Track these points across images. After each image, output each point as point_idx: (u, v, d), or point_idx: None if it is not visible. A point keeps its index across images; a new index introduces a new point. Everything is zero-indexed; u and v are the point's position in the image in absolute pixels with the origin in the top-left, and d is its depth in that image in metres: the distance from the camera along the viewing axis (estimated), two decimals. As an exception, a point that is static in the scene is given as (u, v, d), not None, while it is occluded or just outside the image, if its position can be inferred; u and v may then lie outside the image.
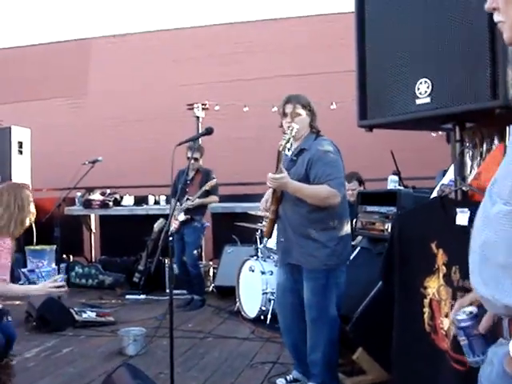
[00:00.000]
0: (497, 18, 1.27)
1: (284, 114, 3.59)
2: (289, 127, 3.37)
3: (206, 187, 6.49)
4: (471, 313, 1.39)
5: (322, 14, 9.31)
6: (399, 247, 2.08)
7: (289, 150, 3.42)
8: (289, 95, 3.66)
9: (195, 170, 6.73)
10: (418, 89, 1.82)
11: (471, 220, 1.85)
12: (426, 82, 1.80)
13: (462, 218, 1.85)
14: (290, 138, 3.31)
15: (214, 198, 6.83)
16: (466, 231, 1.85)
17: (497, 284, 1.16)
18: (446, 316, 1.93)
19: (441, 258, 1.91)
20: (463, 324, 1.39)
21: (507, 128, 1.94)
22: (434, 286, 1.95)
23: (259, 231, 6.40)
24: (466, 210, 1.84)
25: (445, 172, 5.02)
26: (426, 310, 1.99)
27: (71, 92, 10.25)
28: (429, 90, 1.79)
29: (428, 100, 1.79)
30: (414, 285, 2.01)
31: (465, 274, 1.85)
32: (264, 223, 3.72)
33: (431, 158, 7.30)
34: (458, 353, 1.91)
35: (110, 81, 9.97)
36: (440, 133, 7.33)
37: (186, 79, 9.36)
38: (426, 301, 1.99)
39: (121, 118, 9.72)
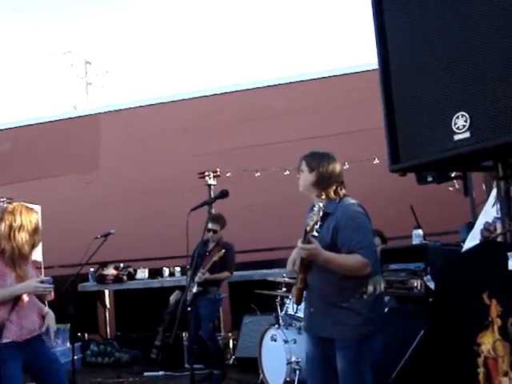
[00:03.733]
0: None
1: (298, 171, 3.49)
2: (317, 207, 3.15)
3: (215, 258, 6.29)
4: None
5: (325, 77, 9.39)
6: (447, 300, 1.89)
7: (317, 231, 3.23)
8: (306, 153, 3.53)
9: (215, 242, 6.56)
10: (455, 124, 1.68)
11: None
12: (463, 115, 1.66)
13: (514, 262, 1.68)
14: (317, 221, 3.12)
15: (226, 274, 6.61)
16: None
17: None
18: (506, 375, 1.72)
19: (494, 309, 1.72)
20: None
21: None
22: (488, 342, 1.75)
23: (279, 298, 6.19)
24: (519, 253, 1.67)
25: (469, 224, 4.86)
26: (481, 369, 1.78)
27: (82, 167, 10.30)
28: (467, 124, 1.65)
29: (467, 135, 1.64)
30: (465, 342, 1.80)
31: (524, 326, 1.66)
32: (293, 290, 3.47)
33: (450, 212, 7.19)
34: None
35: (120, 154, 10.03)
36: (457, 186, 7.24)
37: (197, 148, 9.38)
38: (481, 359, 1.78)
39: (132, 190, 9.70)
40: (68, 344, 7.53)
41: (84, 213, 9.78)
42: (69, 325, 7.53)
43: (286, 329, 5.85)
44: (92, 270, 8.47)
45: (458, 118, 1.68)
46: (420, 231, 4.57)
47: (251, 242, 8.53)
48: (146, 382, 6.78)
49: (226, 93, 9.96)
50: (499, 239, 1.83)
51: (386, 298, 4.41)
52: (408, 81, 1.88)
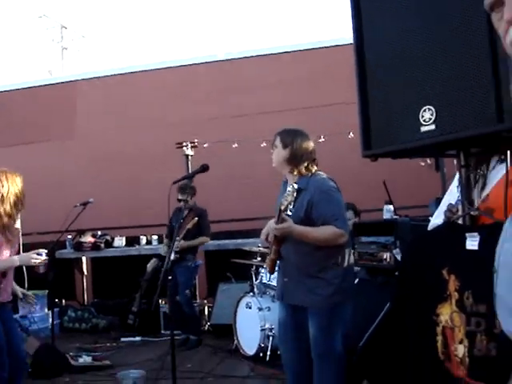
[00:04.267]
0: None
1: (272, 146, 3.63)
2: (292, 187, 3.29)
3: (189, 225, 6.44)
4: None
5: (313, 49, 9.43)
6: (411, 274, 2.07)
7: (291, 211, 3.39)
8: (282, 129, 3.67)
9: (188, 210, 6.71)
10: (422, 116, 1.83)
11: (481, 244, 1.84)
12: (429, 109, 1.82)
13: (471, 242, 1.85)
14: (291, 201, 3.27)
15: (203, 238, 6.81)
16: (476, 256, 1.85)
17: None
18: (461, 342, 1.91)
19: (453, 284, 1.90)
20: None
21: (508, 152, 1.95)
22: (446, 313, 1.93)
23: (254, 267, 6.37)
24: (476, 234, 1.85)
25: (438, 200, 5.06)
26: (439, 337, 1.97)
27: (58, 135, 10.24)
28: (433, 117, 1.80)
29: (433, 127, 1.80)
30: (426, 312, 1.99)
31: (478, 299, 1.84)
32: (267, 261, 3.65)
33: (421, 186, 7.40)
34: (474, 379, 1.89)
35: (97, 122, 9.99)
36: (429, 161, 7.43)
37: (175, 118, 9.41)
38: (439, 328, 1.97)
39: (109, 158, 9.70)
40: (46, 310, 7.65)
41: (61, 180, 9.77)
42: (47, 291, 7.65)
43: (261, 297, 6.05)
44: (70, 237, 8.55)
45: (425, 110, 1.83)
46: (391, 207, 4.77)
47: (227, 211, 8.67)
48: (123, 347, 6.92)
49: (204, 63, 9.95)
50: (460, 221, 2.00)
51: (357, 269, 4.62)
52: (382, 71, 2.02)
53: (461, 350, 1.93)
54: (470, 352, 1.90)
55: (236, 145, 8.46)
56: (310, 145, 3.60)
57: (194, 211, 6.72)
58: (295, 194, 3.24)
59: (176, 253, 6.47)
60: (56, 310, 7.78)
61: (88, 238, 8.41)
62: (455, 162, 2.14)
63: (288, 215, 3.35)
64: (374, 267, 4.28)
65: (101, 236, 8.54)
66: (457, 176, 2.15)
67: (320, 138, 8.05)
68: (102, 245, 8.34)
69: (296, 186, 3.27)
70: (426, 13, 1.92)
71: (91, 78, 10.47)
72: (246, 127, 8.81)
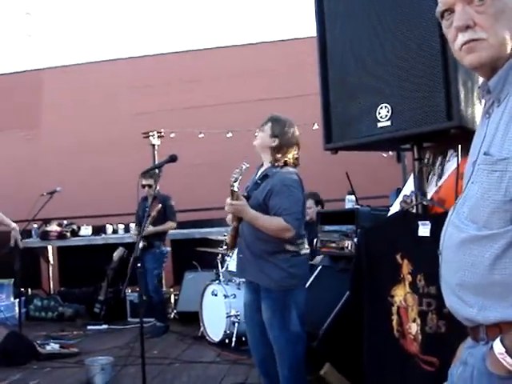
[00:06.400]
0: (472, 35, 1.30)
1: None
2: (242, 165, 3.46)
3: (154, 213, 6.52)
4: None
5: (279, 40, 9.55)
6: (366, 260, 2.22)
7: (238, 188, 3.52)
8: (272, 115, 3.80)
9: (152, 198, 6.79)
10: (379, 113, 1.98)
11: (432, 231, 2.01)
12: (386, 106, 1.97)
13: (423, 229, 2.02)
14: (239, 177, 3.43)
15: (170, 224, 6.91)
16: (427, 242, 2.02)
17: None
18: (414, 321, 2.08)
19: (406, 267, 2.06)
20: None
21: (459, 146, 2.11)
22: (400, 294, 2.10)
23: (220, 255, 6.49)
24: (427, 222, 2.01)
25: (398, 190, 5.25)
26: (394, 317, 2.14)
27: (24, 123, 10.18)
28: (389, 114, 1.96)
29: (388, 123, 1.95)
30: (381, 294, 2.15)
31: (429, 281, 2.01)
32: (227, 236, 3.83)
33: (383, 177, 7.60)
34: (426, 355, 2.06)
35: (63, 111, 9.95)
36: (390, 153, 7.64)
37: (141, 107, 9.44)
38: (394, 308, 2.13)
39: (75, 147, 9.69)
40: (12, 299, 7.66)
41: (26, 168, 9.74)
42: (13, 280, 7.65)
43: (227, 284, 6.17)
44: (36, 226, 8.54)
45: (381, 108, 1.99)
46: (352, 197, 4.93)
47: (194, 201, 8.76)
48: (90, 335, 6.96)
49: (172, 52, 10.01)
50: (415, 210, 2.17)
51: (320, 257, 4.79)
52: (344, 71, 2.17)
53: (414, 328, 2.10)
54: (423, 330, 2.08)
55: (202, 135, 8.56)
56: (296, 141, 3.73)
57: (158, 198, 6.80)
58: (243, 171, 3.41)
59: (144, 240, 6.56)
60: (22, 298, 7.78)
61: (54, 227, 8.40)
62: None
63: (245, 197, 3.54)
64: (336, 255, 4.43)
65: (67, 225, 8.54)
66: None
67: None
68: (68, 234, 8.34)
69: (247, 165, 3.44)
70: (385, 18, 2.07)
71: (57, 67, 10.42)
72: (212, 117, 8.89)
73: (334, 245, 4.41)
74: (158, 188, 6.87)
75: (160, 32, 11.83)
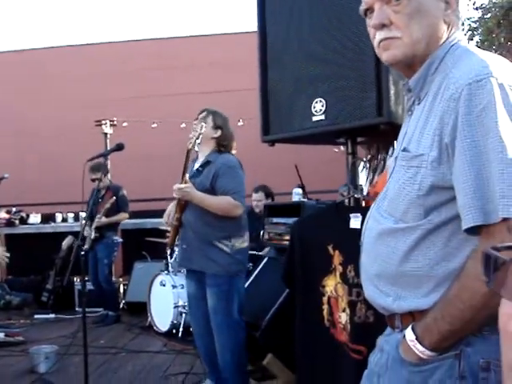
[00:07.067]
0: (387, 33, 1.36)
1: (195, 119, 3.80)
2: (198, 124, 3.56)
3: (108, 205, 6.51)
4: None
5: (235, 33, 9.56)
6: (299, 251, 2.28)
7: (198, 145, 3.60)
8: (207, 108, 3.87)
9: (105, 188, 6.77)
10: (314, 107, 2.03)
11: (363, 223, 2.07)
12: (320, 101, 2.02)
13: (355, 222, 2.07)
14: (199, 134, 3.50)
15: (123, 215, 6.89)
16: (359, 234, 2.07)
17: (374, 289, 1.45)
18: (344, 311, 2.14)
19: (337, 258, 2.12)
20: None
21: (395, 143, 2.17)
22: (331, 285, 2.15)
23: (169, 246, 6.48)
24: (359, 214, 2.07)
25: (346, 185, 5.34)
26: (325, 306, 2.20)
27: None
28: (323, 109, 2.01)
29: (323, 117, 2.00)
30: (313, 284, 2.21)
31: (359, 272, 2.07)
32: (168, 233, 3.87)
33: (334, 172, 7.69)
34: (355, 343, 2.12)
35: (16, 97, 9.76)
36: (342, 148, 7.75)
37: (94, 95, 9.33)
38: (325, 298, 2.19)
39: (27, 134, 9.53)
40: (-43, 287, 7.50)
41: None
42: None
43: (175, 275, 6.17)
44: (-17, 213, 8.38)
45: (316, 102, 2.04)
46: (299, 190, 5.00)
47: (145, 191, 8.72)
48: (37, 324, 6.88)
49: (128, 41, 9.93)
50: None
51: (266, 249, 4.84)
52: (282, 65, 2.21)
53: (344, 317, 2.16)
54: (352, 319, 2.14)
55: (155, 125, 8.52)
56: (232, 132, 3.92)
57: (112, 189, 6.78)
58: (203, 130, 3.49)
59: (96, 231, 6.54)
60: (-33, 286, 7.64)
61: (2, 214, 8.26)
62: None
63: (196, 176, 3.69)
64: (281, 247, 4.48)
65: (16, 212, 8.41)
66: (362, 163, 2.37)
67: (239, 121, 8.23)
68: (17, 221, 8.22)
69: (205, 124, 3.51)
70: (321, 16, 2.12)
71: (10, 51, 10.20)
72: (166, 108, 8.86)
73: (279, 237, 4.46)
74: (109, 178, 6.84)
75: (117, 19, 11.73)
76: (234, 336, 3.69)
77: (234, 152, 3.86)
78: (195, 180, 3.68)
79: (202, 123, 3.60)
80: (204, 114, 3.82)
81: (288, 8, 2.20)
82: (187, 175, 3.59)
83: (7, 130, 9.66)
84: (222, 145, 3.79)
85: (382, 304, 1.44)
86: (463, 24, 9.41)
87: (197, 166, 3.79)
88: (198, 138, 3.52)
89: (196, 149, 3.62)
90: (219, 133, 3.78)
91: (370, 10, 1.42)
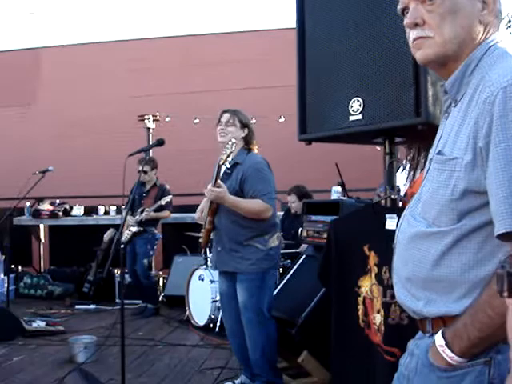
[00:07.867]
0: (420, 33, 1.35)
1: (219, 122, 3.81)
2: (229, 141, 3.56)
3: (163, 202, 6.63)
4: None
5: (276, 29, 9.54)
6: (335, 250, 2.27)
7: (229, 163, 3.63)
8: (227, 109, 3.90)
9: (152, 185, 6.89)
10: (351, 106, 2.02)
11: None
12: (358, 100, 2.01)
13: (391, 222, 2.06)
14: (230, 153, 3.51)
15: (167, 213, 6.99)
16: (394, 235, 2.05)
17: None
18: (378, 312, 2.13)
19: (372, 259, 2.11)
20: None
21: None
22: (366, 285, 2.14)
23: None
24: (395, 215, 2.05)
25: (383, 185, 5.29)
26: (360, 307, 2.19)
27: (19, 101, 10.18)
28: (361, 108, 2.00)
29: (360, 117, 1.99)
30: (348, 284, 2.20)
31: (393, 274, 2.05)
32: (201, 234, 3.90)
33: (374, 170, 7.62)
34: (388, 345, 2.11)
35: (60, 91, 9.95)
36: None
37: (138, 90, 9.45)
38: (360, 299, 2.18)
39: (71, 128, 9.71)
40: (2, 275, 7.70)
41: (21, 146, 9.75)
42: (3, 256, 7.68)
43: (214, 269, 6.21)
44: (28, 204, 8.57)
45: (354, 101, 2.03)
46: (339, 188, 4.97)
47: (185, 186, 8.78)
48: (78, 314, 7.01)
49: (171, 36, 10.01)
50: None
51: (304, 246, 4.83)
52: (320, 65, 2.20)
53: (378, 318, 2.15)
54: (386, 321, 2.12)
55: (197, 120, 8.57)
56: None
57: (158, 187, 6.89)
58: (234, 147, 3.49)
59: (139, 225, 6.65)
60: (12, 275, 7.82)
61: (46, 206, 8.44)
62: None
63: (226, 176, 3.73)
64: (319, 245, 4.47)
65: (59, 204, 8.57)
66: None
67: (280, 117, 8.23)
68: (60, 213, 8.37)
69: (234, 140, 3.52)
70: (360, 16, 2.10)
71: (56, 46, 10.40)
72: (208, 103, 8.90)
73: (318, 235, 4.45)
74: (157, 176, 6.95)
75: (159, 15, 11.81)
76: (265, 332, 3.72)
77: (256, 149, 3.89)
78: (225, 183, 3.70)
79: (234, 139, 3.60)
80: (227, 115, 3.82)
81: (328, 6, 2.19)
82: (219, 179, 3.60)
83: (53, 124, 9.86)
84: (250, 142, 3.84)
85: (412, 308, 1.42)
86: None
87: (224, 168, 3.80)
88: (229, 156, 3.53)
89: (228, 165, 3.64)
90: (246, 131, 3.83)
91: (406, 9, 1.40)
